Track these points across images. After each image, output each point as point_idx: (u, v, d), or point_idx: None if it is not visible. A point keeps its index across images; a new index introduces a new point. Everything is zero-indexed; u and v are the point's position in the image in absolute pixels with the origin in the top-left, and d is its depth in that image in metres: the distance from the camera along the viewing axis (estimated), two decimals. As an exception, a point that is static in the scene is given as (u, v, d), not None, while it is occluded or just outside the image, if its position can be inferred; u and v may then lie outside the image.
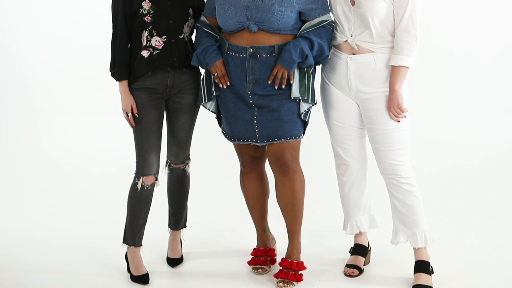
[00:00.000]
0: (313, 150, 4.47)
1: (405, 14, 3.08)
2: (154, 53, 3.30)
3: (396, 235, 3.43)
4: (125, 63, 3.31)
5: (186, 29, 3.37)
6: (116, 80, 3.35)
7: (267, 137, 3.29)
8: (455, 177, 4.99)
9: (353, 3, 3.17)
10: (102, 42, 4.28)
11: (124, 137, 4.52)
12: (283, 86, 3.21)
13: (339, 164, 3.51)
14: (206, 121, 3.89)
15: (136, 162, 3.40)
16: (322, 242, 3.98)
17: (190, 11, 3.39)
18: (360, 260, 3.57)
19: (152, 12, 3.27)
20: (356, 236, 3.64)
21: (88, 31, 5.70)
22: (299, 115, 3.28)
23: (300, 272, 3.42)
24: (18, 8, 5.85)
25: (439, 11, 5.41)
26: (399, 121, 3.21)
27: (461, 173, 5.04)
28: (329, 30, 3.25)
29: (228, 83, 3.27)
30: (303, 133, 3.34)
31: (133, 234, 3.46)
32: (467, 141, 5.36)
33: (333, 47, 3.32)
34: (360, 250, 3.61)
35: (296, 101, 3.26)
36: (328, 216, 4.27)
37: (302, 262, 3.43)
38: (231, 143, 3.47)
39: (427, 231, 3.36)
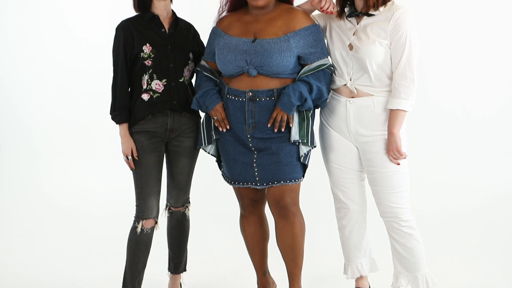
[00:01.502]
0: (314, 193, 4.47)
1: (402, 59, 3.12)
2: (154, 97, 3.33)
3: (397, 278, 3.41)
4: (125, 106, 3.34)
5: (186, 73, 3.40)
6: (116, 123, 3.36)
7: (266, 180, 3.29)
8: (455, 219, 4.97)
9: (351, 48, 3.21)
10: (99, 88, 4.34)
11: (124, 180, 4.52)
12: (283, 129, 3.22)
13: (339, 207, 3.50)
14: (205, 164, 3.90)
15: (136, 205, 3.40)
16: (323, 286, 3.94)
17: (190, 55, 3.43)
18: (361, 304, 3.55)
19: (152, 56, 3.31)
20: (357, 280, 3.61)
21: (85, 78, 5.82)
22: (299, 158, 3.28)
23: (301, 316, 3.39)
24: (15, 53, 5.98)
25: (435, 57, 5.50)
26: (398, 164, 3.21)
27: (461, 215, 5.03)
28: (328, 73, 3.28)
29: (228, 127, 3.29)
30: (303, 176, 3.34)
31: (132, 278, 3.43)
32: (466, 183, 5.37)
33: (332, 91, 3.35)
34: (361, 294, 3.59)
35: (296, 144, 3.27)
36: (329, 259, 4.24)
37: (302, 306, 3.41)
38: (231, 186, 3.47)
39: (428, 274, 3.34)
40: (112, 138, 3.87)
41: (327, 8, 3.27)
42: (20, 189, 5.62)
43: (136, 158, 3.35)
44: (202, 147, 3.41)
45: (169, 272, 3.72)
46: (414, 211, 3.32)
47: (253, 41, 3.22)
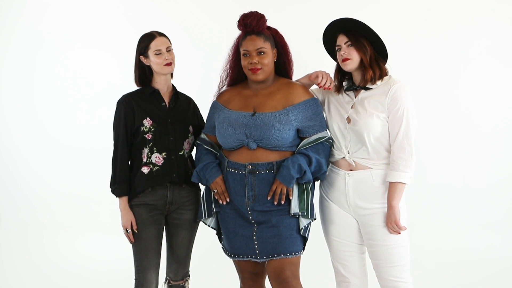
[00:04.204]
0: (315, 266, 4.43)
1: (399, 132, 3.15)
2: (154, 169, 3.35)
3: None
4: (125, 180, 3.36)
5: (186, 146, 3.43)
6: (116, 196, 3.38)
7: (266, 253, 3.27)
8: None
9: (349, 121, 3.24)
10: (98, 163, 4.40)
11: (125, 253, 4.51)
12: (282, 202, 3.22)
13: (339, 281, 3.46)
14: (205, 237, 3.88)
15: (135, 279, 3.38)
16: None
17: (190, 128, 3.47)
18: None
19: (153, 129, 3.35)
20: None
21: (83, 154, 5.99)
22: (299, 230, 3.27)
23: None
24: (13, 132, 6.17)
25: (435, 130, 5.59)
26: (399, 233, 3.19)
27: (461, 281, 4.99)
28: (327, 146, 3.30)
29: (228, 200, 3.29)
30: (303, 249, 3.32)
31: None
32: (468, 249, 5.37)
33: (331, 164, 3.36)
34: None
35: (296, 217, 3.26)
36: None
37: None
38: (231, 259, 3.45)
39: None
40: (113, 212, 3.88)
41: (324, 84, 3.32)
42: (25, 262, 5.62)
43: (136, 231, 3.34)
44: (202, 220, 3.41)
45: None
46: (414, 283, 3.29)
47: (253, 115, 3.26)
